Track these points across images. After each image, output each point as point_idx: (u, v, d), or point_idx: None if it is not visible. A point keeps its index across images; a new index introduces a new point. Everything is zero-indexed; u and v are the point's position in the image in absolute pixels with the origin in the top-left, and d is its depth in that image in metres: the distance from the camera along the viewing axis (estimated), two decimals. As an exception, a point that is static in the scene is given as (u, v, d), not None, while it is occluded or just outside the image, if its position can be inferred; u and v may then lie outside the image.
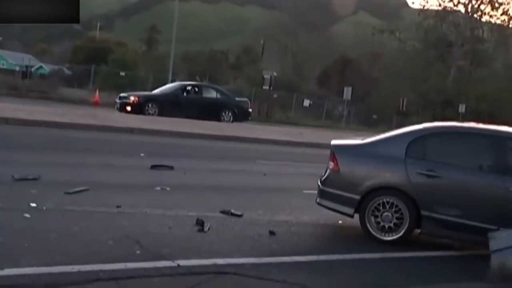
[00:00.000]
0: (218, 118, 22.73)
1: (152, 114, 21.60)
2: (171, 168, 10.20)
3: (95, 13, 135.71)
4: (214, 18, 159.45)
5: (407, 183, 6.41)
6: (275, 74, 37.18)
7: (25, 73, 40.58)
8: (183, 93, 23.29)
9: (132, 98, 22.33)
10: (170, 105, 22.17)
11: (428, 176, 6.36)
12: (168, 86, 24.62)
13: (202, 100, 23.33)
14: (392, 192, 6.48)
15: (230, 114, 23.36)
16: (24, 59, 46.01)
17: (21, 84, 34.23)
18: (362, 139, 7.27)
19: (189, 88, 23.86)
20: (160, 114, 21.60)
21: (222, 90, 25.95)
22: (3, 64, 61.48)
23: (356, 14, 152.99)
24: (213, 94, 24.22)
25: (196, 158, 12.68)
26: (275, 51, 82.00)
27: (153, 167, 10.09)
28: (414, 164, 6.46)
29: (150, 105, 22.02)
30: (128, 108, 21.89)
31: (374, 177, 6.61)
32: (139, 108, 21.76)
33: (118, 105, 22.47)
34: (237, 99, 25.27)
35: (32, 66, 49.14)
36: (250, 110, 25.30)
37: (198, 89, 24.04)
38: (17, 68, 46.99)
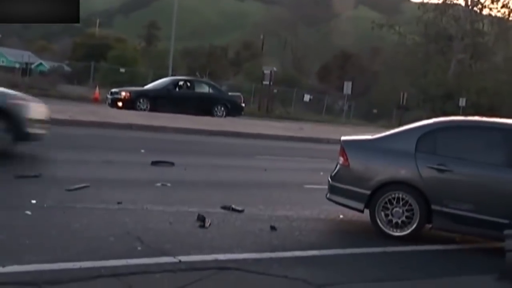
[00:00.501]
0: (210, 113, 22.67)
1: (144, 110, 21.52)
2: (172, 164, 10.20)
3: (94, 9, 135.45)
4: (214, 13, 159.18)
5: (418, 178, 6.40)
6: (275, 69, 37.19)
7: (25, 70, 40.56)
8: (175, 88, 23.19)
9: (123, 93, 22.27)
10: (162, 100, 22.11)
11: (439, 170, 6.33)
12: (160, 81, 24.47)
13: (194, 95, 23.24)
14: (402, 187, 6.47)
15: (222, 109, 23.28)
16: (23, 56, 45.98)
17: (21, 81, 34.20)
18: (372, 135, 7.28)
19: (181, 83, 23.79)
20: (152, 109, 21.48)
21: (215, 85, 25.92)
22: (3, 62, 61.45)
23: (356, 9, 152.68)
24: (205, 89, 24.15)
25: (197, 154, 12.67)
26: (275, 46, 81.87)
27: (154, 163, 10.09)
28: (424, 159, 6.45)
29: (141, 100, 21.94)
30: (120, 104, 21.81)
31: (384, 172, 6.62)
32: (130, 104, 21.66)
33: (110, 101, 22.41)
34: (230, 93, 25.22)
35: (32, 63, 49.12)
36: (243, 105, 25.15)
37: (190, 84, 23.94)
38: (17, 65, 46.96)
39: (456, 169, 6.35)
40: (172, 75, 31.09)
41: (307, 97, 41.69)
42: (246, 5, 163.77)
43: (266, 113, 34.64)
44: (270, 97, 36.85)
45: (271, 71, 35.66)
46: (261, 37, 66.69)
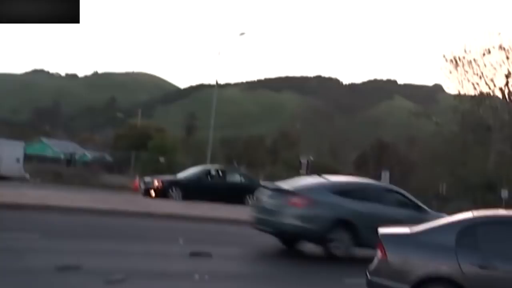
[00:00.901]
0: (242, 202, 22.56)
1: (176, 199, 21.56)
2: (210, 255, 10.19)
3: (136, 100, 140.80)
4: (252, 104, 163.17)
5: (459, 274, 6.24)
6: (311, 158, 37.41)
7: (69, 160, 41.89)
8: (206, 177, 23.39)
9: (155, 182, 22.49)
10: (193, 189, 22.14)
11: (481, 267, 6.18)
12: (192, 170, 24.71)
13: (226, 184, 23.32)
14: (443, 282, 6.33)
15: (254, 198, 23.17)
16: (68, 147, 47.68)
17: (65, 172, 35.28)
18: (410, 228, 7.19)
19: (213, 172, 24.02)
20: (184, 198, 21.52)
21: (246, 174, 26.08)
22: (49, 153, 63.70)
23: (392, 99, 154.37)
24: (237, 178, 24.32)
25: (235, 244, 12.64)
26: (311, 135, 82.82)
27: (192, 254, 10.11)
28: (465, 254, 6.32)
29: (173, 189, 22.04)
30: (152, 193, 21.94)
31: (424, 267, 6.50)
32: (163, 192, 21.78)
33: (143, 190, 22.61)
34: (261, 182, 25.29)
35: (75, 154, 50.78)
36: None
37: (222, 173, 24.15)
38: (62, 156, 48.59)
39: (500, 265, 6.18)
40: (210, 164, 31.57)
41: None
42: (283, 96, 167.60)
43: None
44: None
45: (308, 160, 35.83)
46: (298, 126, 67.73)
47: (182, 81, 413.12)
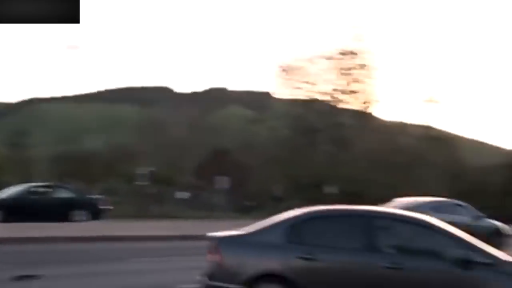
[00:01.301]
0: (71, 218, 21.35)
1: None
2: (39, 277, 9.59)
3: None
4: (87, 117, 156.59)
5: (288, 268, 6.58)
6: (150, 169, 37.12)
7: None
8: (30, 195, 21.78)
9: None
10: (16, 209, 20.50)
11: (307, 259, 6.55)
12: (14, 188, 22.85)
13: (53, 201, 21.84)
14: (275, 279, 6.59)
15: (83, 213, 22.05)
16: None
17: None
18: (243, 229, 7.36)
19: (37, 189, 22.44)
20: (5, 219, 19.63)
21: (74, 188, 24.75)
22: None
23: (228, 106, 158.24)
24: (64, 193, 22.84)
25: (68, 263, 12.06)
26: (150, 147, 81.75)
27: (18, 278, 9.43)
28: (293, 249, 6.67)
29: None
30: None
31: (257, 265, 6.73)
32: None
33: None
34: (90, 196, 24.08)
35: None
36: (106, 207, 23.83)
37: (48, 190, 22.65)
38: None
39: (321, 257, 6.62)
40: (41, 182, 29.66)
41: (183, 195, 41.79)
42: (120, 108, 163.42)
43: (143, 213, 33.99)
44: (146, 197, 36.43)
45: (147, 171, 35.55)
46: (137, 139, 66.62)
47: (11, 96, 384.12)
